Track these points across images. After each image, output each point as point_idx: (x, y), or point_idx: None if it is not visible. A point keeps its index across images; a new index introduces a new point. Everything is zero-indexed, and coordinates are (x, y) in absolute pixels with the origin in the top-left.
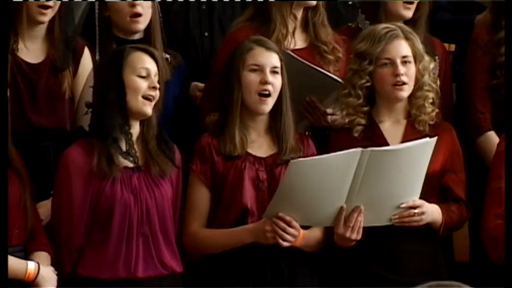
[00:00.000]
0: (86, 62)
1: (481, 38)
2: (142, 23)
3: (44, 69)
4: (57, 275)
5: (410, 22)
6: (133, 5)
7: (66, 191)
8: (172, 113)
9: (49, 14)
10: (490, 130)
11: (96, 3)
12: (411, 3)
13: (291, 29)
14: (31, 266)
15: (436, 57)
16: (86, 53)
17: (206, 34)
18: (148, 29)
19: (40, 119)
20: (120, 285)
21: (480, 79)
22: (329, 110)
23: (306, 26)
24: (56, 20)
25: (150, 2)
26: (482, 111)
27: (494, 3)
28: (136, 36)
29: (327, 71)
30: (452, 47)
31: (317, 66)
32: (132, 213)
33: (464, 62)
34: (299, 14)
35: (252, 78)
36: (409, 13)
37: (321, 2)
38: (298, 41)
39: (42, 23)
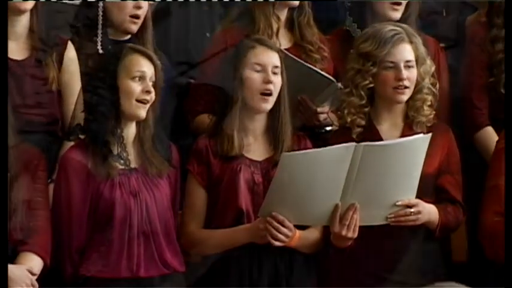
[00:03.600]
0: (71, 55)
1: (478, 37)
2: (137, 25)
3: (29, 64)
4: (54, 275)
5: (398, 22)
6: (138, 7)
7: (65, 193)
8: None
9: (30, 2)
10: (487, 126)
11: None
12: (399, 4)
13: (275, 29)
14: None
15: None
16: (70, 46)
17: (208, 35)
18: (140, 31)
19: (30, 113)
20: (122, 285)
21: (478, 76)
22: (320, 109)
23: (291, 25)
24: (34, 18)
25: (147, 6)
26: (480, 107)
27: (488, 2)
28: (127, 37)
29: None
30: None
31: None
32: (132, 214)
33: (461, 60)
34: (282, 14)
35: (255, 77)
36: (396, 14)
37: (306, 2)
38: (282, 41)
39: (23, 11)
